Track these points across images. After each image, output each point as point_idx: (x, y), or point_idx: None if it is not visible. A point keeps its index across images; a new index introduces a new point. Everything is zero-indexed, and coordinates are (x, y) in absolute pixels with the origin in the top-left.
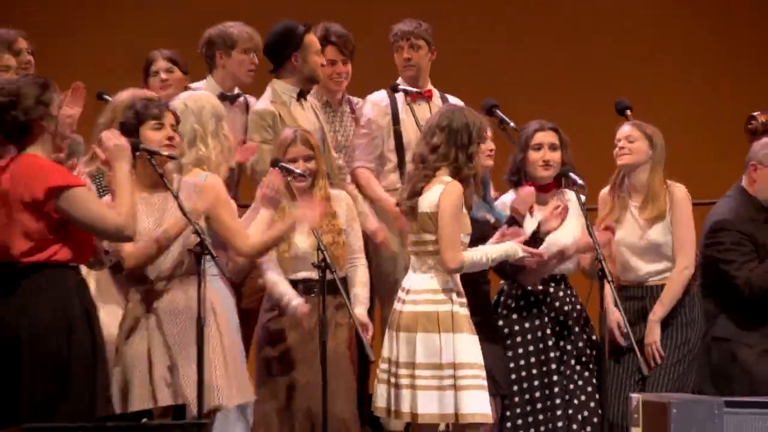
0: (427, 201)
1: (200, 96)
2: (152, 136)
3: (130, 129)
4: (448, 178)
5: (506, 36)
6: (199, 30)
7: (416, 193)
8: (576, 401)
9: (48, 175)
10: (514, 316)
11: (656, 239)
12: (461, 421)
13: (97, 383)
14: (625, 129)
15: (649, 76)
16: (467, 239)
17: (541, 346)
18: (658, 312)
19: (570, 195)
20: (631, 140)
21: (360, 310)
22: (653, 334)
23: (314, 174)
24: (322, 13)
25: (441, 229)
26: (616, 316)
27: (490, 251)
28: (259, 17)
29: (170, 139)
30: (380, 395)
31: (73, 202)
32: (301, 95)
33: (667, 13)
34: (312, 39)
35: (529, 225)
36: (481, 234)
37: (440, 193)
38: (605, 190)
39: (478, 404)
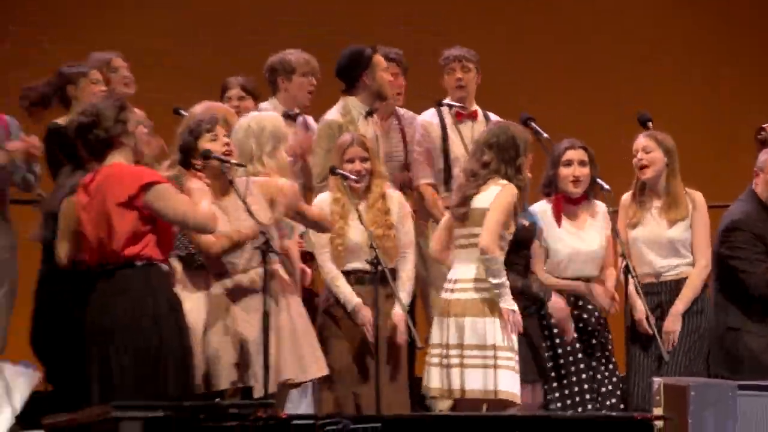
0: (482, 199)
1: (264, 117)
2: (211, 147)
3: (190, 145)
4: (504, 182)
5: (506, 36)
6: (198, 30)
7: (466, 200)
8: (604, 389)
9: (139, 175)
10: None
11: (675, 237)
12: (498, 397)
13: (185, 371)
14: (641, 140)
15: (649, 76)
16: (509, 237)
17: (576, 344)
18: (680, 305)
19: (599, 206)
20: (647, 151)
21: (398, 308)
22: (675, 324)
23: (370, 174)
24: (324, 14)
25: (487, 218)
26: (641, 307)
27: (508, 301)
28: (259, 17)
29: (227, 145)
30: (432, 377)
31: (162, 196)
32: (370, 114)
33: (667, 13)
34: (379, 59)
35: (558, 235)
36: (515, 237)
37: (497, 191)
38: (627, 196)
39: (513, 385)
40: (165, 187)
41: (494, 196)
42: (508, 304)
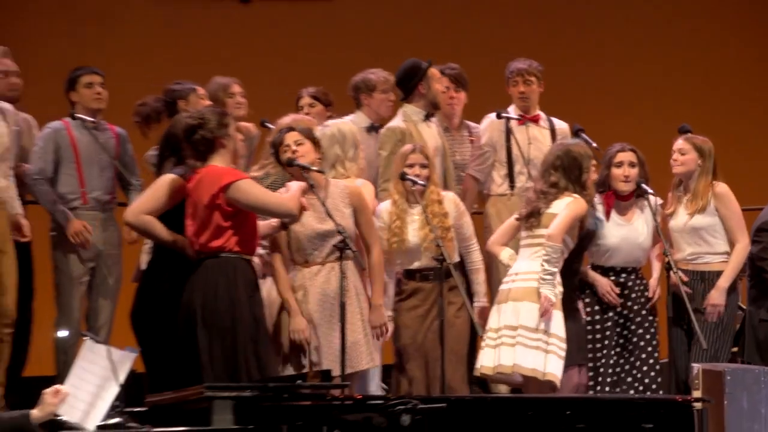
0: (553, 207)
1: (343, 125)
2: (290, 156)
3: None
4: (576, 195)
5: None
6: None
7: (536, 214)
8: (640, 373)
9: (220, 176)
10: (597, 305)
11: (697, 225)
12: (545, 377)
13: (261, 355)
14: (679, 143)
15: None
16: (571, 245)
17: (618, 328)
18: (723, 281)
19: (645, 203)
20: (683, 152)
21: (478, 300)
22: (719, 298)
23: (427, 179)
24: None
25: (557, 217)
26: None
27: (550, 290)
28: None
29: (294, 152)
30: (486, 357)
31: (241, 191)
32: (427, 117)
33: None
34: (434, 71)
35: (607, 227)
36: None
37: (568, 201)
38: (670, 194)
39: (557, 368)
40: (246, 182)
41: (565, 205)
42: (550, 292)
